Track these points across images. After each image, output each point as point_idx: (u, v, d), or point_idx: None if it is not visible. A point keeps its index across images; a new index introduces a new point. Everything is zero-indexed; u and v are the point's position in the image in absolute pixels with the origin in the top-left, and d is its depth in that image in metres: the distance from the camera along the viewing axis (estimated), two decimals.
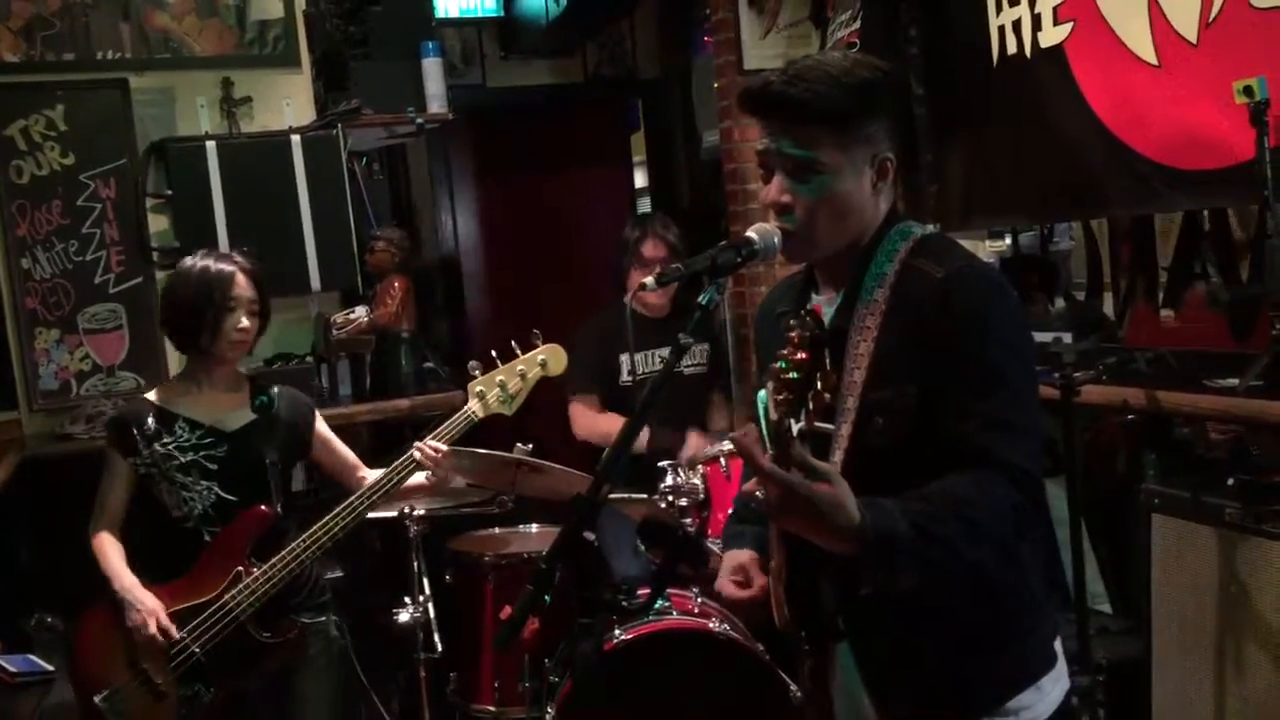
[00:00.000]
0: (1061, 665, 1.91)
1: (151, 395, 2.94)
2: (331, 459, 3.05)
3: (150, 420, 2.83)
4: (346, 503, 2.81)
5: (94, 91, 4.12)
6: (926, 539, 1.61)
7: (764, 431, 1.58)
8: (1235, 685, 2.70)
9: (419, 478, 2.88)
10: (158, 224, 4.19)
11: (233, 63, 4.28)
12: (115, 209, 4.13)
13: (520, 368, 2.93)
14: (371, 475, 2.96)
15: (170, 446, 2.80)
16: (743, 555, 2.00)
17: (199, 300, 2.79)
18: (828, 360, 1.53)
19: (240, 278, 2.82)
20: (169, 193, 4.17)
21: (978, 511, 1.65)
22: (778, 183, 1.83)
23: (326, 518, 2.78)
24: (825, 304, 1.91)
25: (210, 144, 4.13)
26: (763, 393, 1.58)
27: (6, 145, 4.02)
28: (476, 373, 2.93)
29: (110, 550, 2.82)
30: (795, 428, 1.53)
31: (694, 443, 3.82)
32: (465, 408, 2.91)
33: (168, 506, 2.80)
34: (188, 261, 2.89)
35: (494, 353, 2.96)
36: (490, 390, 2.91)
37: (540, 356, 2.96)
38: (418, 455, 2.84)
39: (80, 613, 2.89)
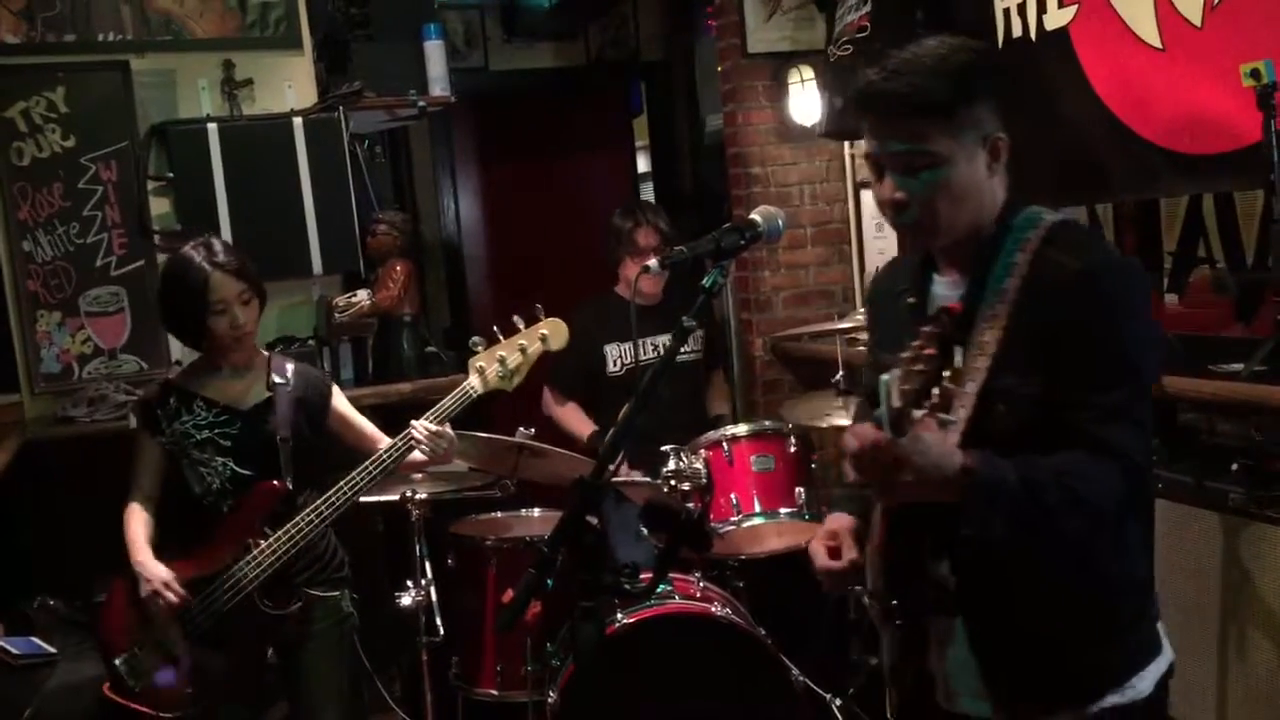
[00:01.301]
0: (1166, 646, 1.92)
1: (174, 376, 3.03)
2: (349, 432, 3.07)
3: (172, 400, 2.91)
4: (348, 477, 2.83)
5: (95, 73, 4.10)
6: (1028, 495, 1.66)
7: (883, 415, 1.60)
8: (1238, 670, 2.70)
9: (418, 454, 2.89)
10: (159, 206, 4.18)
11: (234, 45, 4.25)
12: (116, 191, 4.12)
13: (521, 342, 2.91)
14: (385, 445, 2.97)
15: (188, 425, 2.88)
16: (842, 520, 2.04)
17: (186, 309, 2.84)
18: (957, 358, 1.55)
19: (217, 278, 2.80)
20: (170, 175, 4.15)
21: (1082, 486, 1.69)
22: (889, 182, 1.83)
23: (328, 493, 2.81)
24: (948, 286, 1.91)
25: (212, 126, 4.11)
26: (885, 377, 1.59)
27: (7, 127, 4.00)
28: (479, 348, 2.91)
29: (134, 522, 2.90)
30: (917, 414, 1.57)
31: None
32: (464, 383, 2.90)
33: (189, 482, 2.87)
34: (166, 266, 2.94)
35: (495, 328, 2.93)
36: (490, 365, 2.89)
37: (542, 331, 2.93)
38: (413, 434, 2.85)
39: (93, 587, 3.01)
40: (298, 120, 4.18)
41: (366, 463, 2.85)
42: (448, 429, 2.89)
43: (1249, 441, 2.82)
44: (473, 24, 6.30)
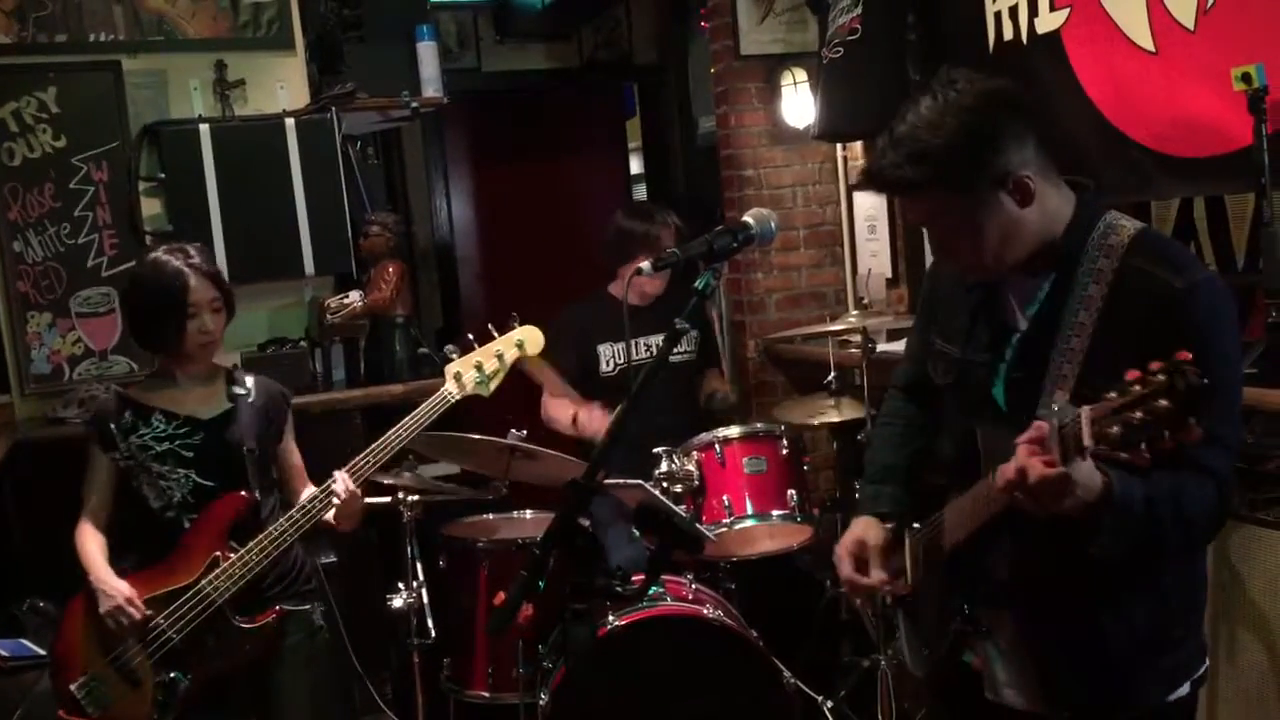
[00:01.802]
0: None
1: (127, 390, 2.93)
2: (284, 461, 3.00)
3: (127, 414, 2.82)
4: (267, 531, 2.74)
5: (87, 74, 4.10)
6: (1151, 514, 1.68)
7: (1052, 439, 1.59)
8: (1229, 672, 2.71)
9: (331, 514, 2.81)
10: (150, 207, 4.17)
11: (226, 45, 4.25)
12: (108, 192, 4.11)
13: (497, 349, 2.93)
14: (306, 494, 2.88)
15: (147, 438, 2.79)
16: (871, 530, 2.06)
17: (158, 312, 2.77)
18: (1194, 421, 1.48)
19: (194, 280, 2.75)
20: (162, 176, 4.15)
21: (1191, 508, 1.72)
22: (931, 241, 1.93)
23: (279, 520, 2.76)
24: (1017, 288, 1.92)
25: (204, 127, 4.11)
26: (1056, 406, 1.59)
27: None
28: (454, 356, 2.93)
29: (89, 542, 2.82)
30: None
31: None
32: (442, 390, 2.89)
33: (147, 497, 2.79)
34: (139, 269, 2.86)
35: (470, 336, 2.96)
36: (467, 372, 2.90)
37: (517, 338, 2.95)
38: (333, 487, 2.76)
39: (70, 598, 2.88)
40: (290, 121, 4.18)
41: (293, 510, 2.76)
42: (359, 493, 2.79)
43: (1240, 444, 2.82)
44: (465, 25, 6.30)
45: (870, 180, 1.91)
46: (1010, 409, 1.88)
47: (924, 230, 1.92)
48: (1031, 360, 1.84)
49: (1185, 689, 1.89)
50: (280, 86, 4.30)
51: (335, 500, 2.76)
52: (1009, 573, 1.87)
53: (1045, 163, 1.85)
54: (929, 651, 2.04)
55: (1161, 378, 1.49)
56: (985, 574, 1.90)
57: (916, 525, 2.03)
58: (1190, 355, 1.48)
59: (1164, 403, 1.48)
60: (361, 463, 2.80)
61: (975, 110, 1.79)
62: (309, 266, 4.19)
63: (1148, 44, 2.91)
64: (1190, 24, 2.79)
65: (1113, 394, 1.53)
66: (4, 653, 3.14)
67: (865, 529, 2.08)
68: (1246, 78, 2.51)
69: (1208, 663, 1.94)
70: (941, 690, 2.06)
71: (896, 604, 2.09)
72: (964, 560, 1.91)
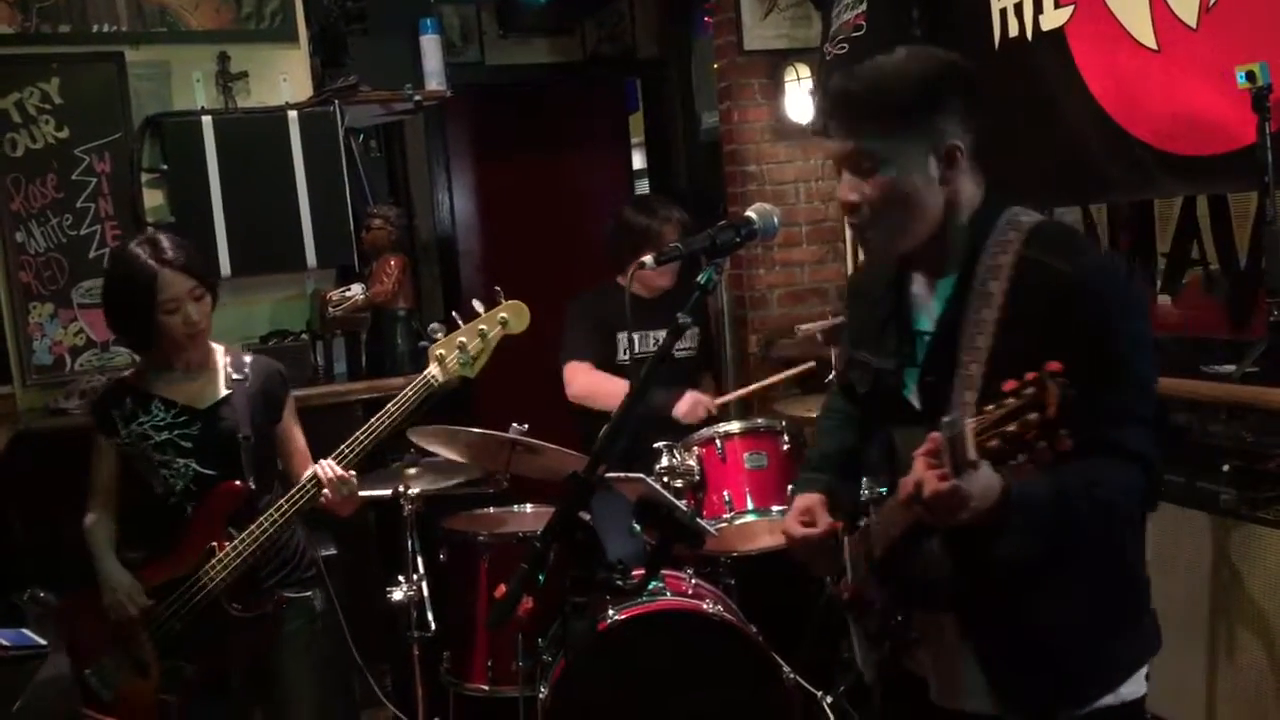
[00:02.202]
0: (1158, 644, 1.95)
1: (129, 375, 2.92)
2: (283, 445, 2.97)
3: (128, 401, 2.81)
4: (265, 515, 2.74)
5: (89, 65, 4.09)
6: (1062, 508, 1.68)
7: (945, 454, 1.59)
8: (1227, 671, 2.71)
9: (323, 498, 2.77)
10: (153, 199, 4.17)
11: (230, 37, 4.25)
12: (110, 183, 4.11)
13: (481, 327, 2.82)
14: (308, 473, 2.82)
15: (146, 426, 2.78)
16: (811, 498, 2.07)
17: (133, 310, 2.73)
18: (1065, 432, 1.49)
19: (166, 275, 2.69)
20: (164, 168, 4.15)
21: (1111, 494, 1.72)
22: (845, 181, 1.87)
23: (271, 508, 2.74)
24: (925, 290, 1.93)
25: (206, 119, 4.11)
26: (949, 420, 1.59)
27: (0, 118, 3.99)
28: (438, 335, 2.84)
29: (97, 532, 2.83)
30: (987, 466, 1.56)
31: (689, 399, 3.78)
32: (424, 373, 2.82)
33: (151, 485, 2.79)
34: (110, 264, 2.83)
35: (454, 313, 2.86)
36: (450, 353, 2.81)
37: (501, 315, 2.83)
38: (319, 473, 2.73)
39: (73, 589, 2.91)
40: (293, 114, 4.17)
41: (280, 500, 2.74)
42: (352, 475, 2.77)
43: (1240, 443, 2.83)
44: (469, 19, 6.29)
45: (824, 96, 1.91)
46: (925, 412, 1.87)
47: (839, 173, 1.89)
48: (940, 362, 1.84)
49: (1139, 685, 1.87)
50: (283, 79, 4.30)
51: (322, 490, 2.72)
52: (942, 575, 1.86)
53: (974, 153, 1.87)
54: (875, 656, 2.04)
55: (1030, 390, 1.50)
56: (919, 578, 1.89)
57: (857, 527, 2.04)
58: (1060, 366, 1.49)
59: (1034, 416, 1.49)
60: (347, 451, 2.77)
61: (937, 71, 1.84)
62: (311, 259, 4.19)
63: (1150, 42, 2.91)
64: (1193, 22, 2.79)
65: (991, 406, 1.54)
66: (5, 642, 3.14)
67: (805, 500, 2.09)
68: (1250, 76, 2.51)
69: (1159, 647, 1.92)
70: (890, 694, 2.05)
71: (845, 608, 2.09)
72: (898, 565, 1.90)
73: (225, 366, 2.88)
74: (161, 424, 2.79)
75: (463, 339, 2.83)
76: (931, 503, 1.60)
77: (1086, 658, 1.85)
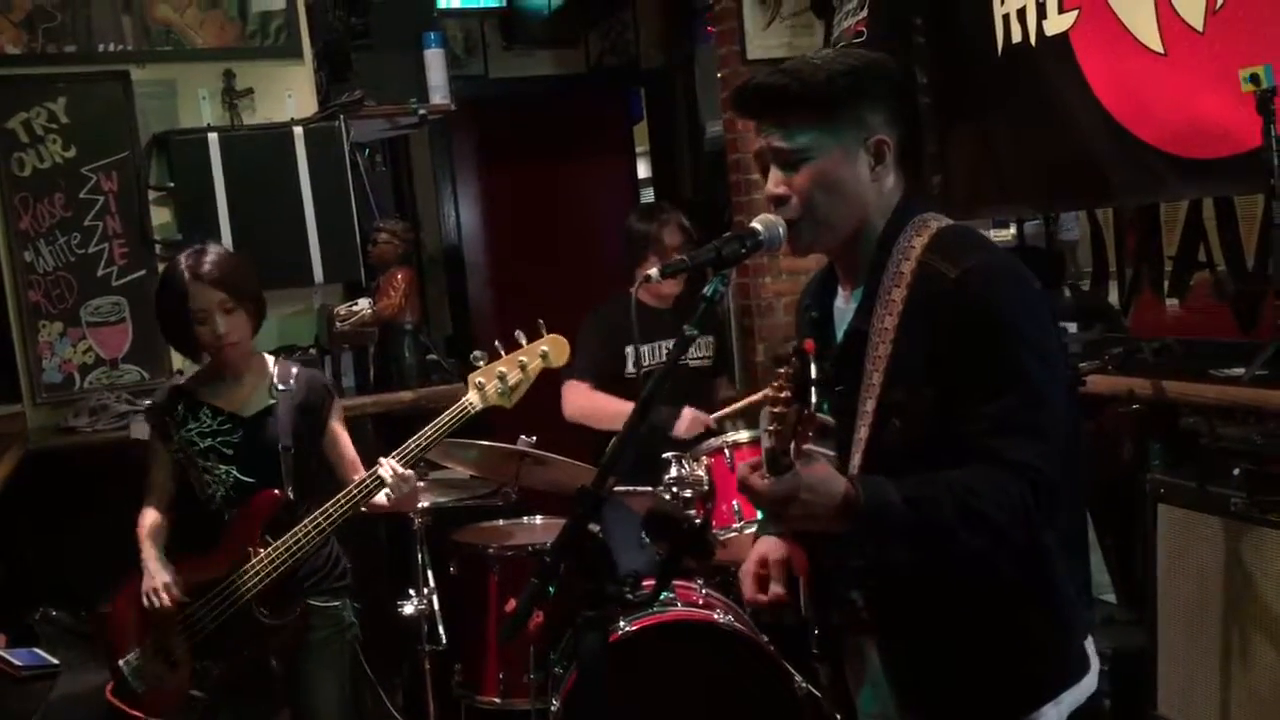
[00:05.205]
0: (1094, 669, 1.88)
1: (184, 382, 3.03)
2: (332, 451, 3.04)
3: (180, 407, 2.93)
4: (314, 515, 2.79)
5: (95, 84, 4.10)
6: (920, 516, 1.63)
7: (764, 454, 1.59)
8: (1240, 675, 2.70)
9: (382, 497, 2.83)
10: (160, 216, 4.18)
11: (235, 54, 4.26)
12: (117, 201, 4.12)
13: (521, 359, 2.86)
14: (372, 471, 2.90)
15: (193, 432, 2.90)
16: (772, 547, 2.01)
17: (173, 320, 2.88)
18: (813, 403, 1.52)
19: (193, 287, 2.81)
20: (171, 185, 4.16)
21: (981, 502, 1.64)
22: (773, 175, 1.84)
23: (313, 514, 2.79)
24: (844, 301, 1.93)
25: (212, 136, 4.12)
26: (761, 425, 1.59)
27: (8, 138, 4.01)
28: (480, 363, 2.87)
29: (146, 522, 2.93)
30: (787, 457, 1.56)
31: (688, 417, 3.79)
32: (463, 399, 2.86)
33: (195, 489, 2.90)
34: (161, 277, 2.98)
35: (497, 343, 2.89)
36: (490, 382, 2.85)
37: (542, 348, 2.88)
38: (380, 474, 2.79)
39: (96, 598, 3.03)
40: (298, 129, 4.18)
41: (337, 496, 2.79)
42: (413, 474, 2.83)
43: (1251, 446, 2.82)
44: (473, 32, 6.30)
45: (741, 95, 1.87)
46: (839, 423, 1.82)
47: (764, 169, 1.88)
48: (849, 372, 1.83)
49: (1049, 711, 1.81)
50: (288, 95, 4.31)
51: (384, 486, 2.78)
52: (862, 595, 1.85)
53: (899, 155, 1.86)
54: (828, 668, 2.03)
55: (781, 369, 1.52)
56: (844, 598, 1.87)
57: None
58: (813, 346, 1.50)
59: (786, 393, 1.51)
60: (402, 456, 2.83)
61: (870, 66, 1.84)
62: (318, 274, 4.20)
63: (1156, 45, 2.91)
64: (1199, 25, 2.78)
65: (769, 392, 1.57)
66: (17, 662, 3.15)
67: (766, 546, 2.03)
68: (1255, 79, 2.51)
69: (1094, 686, 1.86)
70: (842, 706, 2.04)
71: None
72: (828, 584, 1.89)
73: (273, 377, 2.96)
74: (207, 430, 2.90)
75: (503, 369, 2.85)
76: (764, 503, 1.60)
77: (990, 680, 1.81)
